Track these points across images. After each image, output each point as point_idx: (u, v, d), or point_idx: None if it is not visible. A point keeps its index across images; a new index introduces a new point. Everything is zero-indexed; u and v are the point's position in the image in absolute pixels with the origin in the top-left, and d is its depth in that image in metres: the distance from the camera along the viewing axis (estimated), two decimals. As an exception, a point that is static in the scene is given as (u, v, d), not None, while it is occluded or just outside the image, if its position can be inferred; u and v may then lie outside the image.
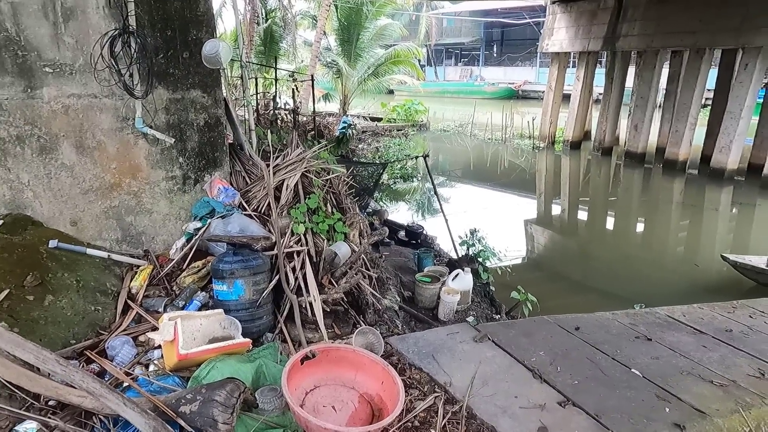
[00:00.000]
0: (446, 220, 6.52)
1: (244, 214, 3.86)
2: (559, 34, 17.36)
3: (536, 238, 10.40)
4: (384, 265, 5.22)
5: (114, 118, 3.58)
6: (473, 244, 5.68)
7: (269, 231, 3.72)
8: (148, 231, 3.91)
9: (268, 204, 3.96)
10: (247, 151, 3.88)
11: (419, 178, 14.67)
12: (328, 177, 4.28)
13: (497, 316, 5.07)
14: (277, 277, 3.46)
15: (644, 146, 15.26)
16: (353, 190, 7.15)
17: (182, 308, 3.37)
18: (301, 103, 18.74)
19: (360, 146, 17.41)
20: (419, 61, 33.07)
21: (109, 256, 3.60)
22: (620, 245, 9.62)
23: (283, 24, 22.26)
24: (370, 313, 3.77)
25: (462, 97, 32.93)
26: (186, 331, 3.00)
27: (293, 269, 3.56)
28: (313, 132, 14.78)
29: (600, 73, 17.24)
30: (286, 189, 3.99)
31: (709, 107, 14.76)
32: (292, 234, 3.75)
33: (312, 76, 14.87)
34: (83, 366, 2.79)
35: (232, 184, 4.07)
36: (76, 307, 3.15)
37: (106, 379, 2.72)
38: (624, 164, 15.60)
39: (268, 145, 4.35)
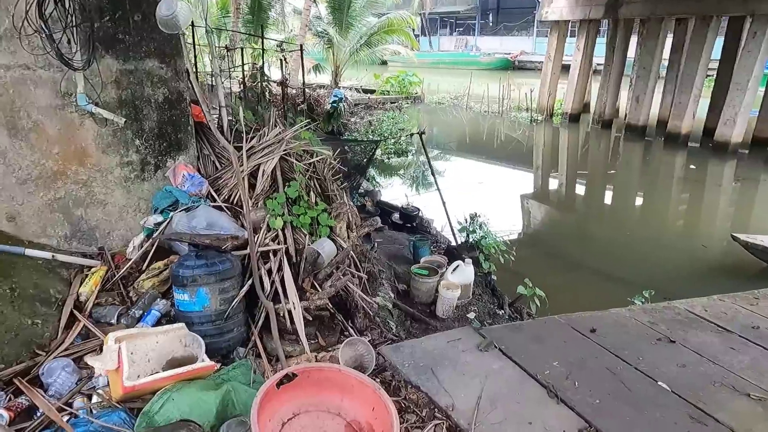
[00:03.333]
0: (444, 203, 6.02)
1: (213, 206, 3.34)
2: (559, 1, 16.59)
3: (534, 215, 9.98)
4: (377, 256, 4.74)
5: (53, 93, 3.01)
6: (474, 231, 5.19)
7: (242, 226, 3.21)
8: (102, 225, 3.38)
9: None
10: (214, 131, 3.32)
11: (413, 153, 14.12)
12: (312, 160, 3.74)
13: (500, 311, 4.63)
14: (250, 281, 2.96)
15: (645, 119, 14.76)
16: (342, 172, 6.64)
17: (139, 319, 2.88)
18: (290, 75, 17.96)
19: (352, 120, 16.77)
20: (413, 30, 32.03)
21: (53, 256, 3.08)
22: (622, 223, 9.20)
23: (272, -10, 21.26)
24: (360, 317, 3.29)
25: (457, 68, 32.06)
26: (138, 352, 2.51)
27: (269, 271, 3.06)
28: (302, 105, 14.16)
29: (601, 43, 16.58)
30: (262, 175, 3.46)
31: (714, 78, 14.21)
32: (269, 229, 3.24)
33: (301, 46, 14.09)
34: (10, 398, 2.31)
35: (199, 170, 3.54)
36: (9, 321, 2.65)
37: (38, 415, 2.25)
38: (624, 137, 15.11)
39: (242, 123, 3.79)
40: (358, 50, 19.88)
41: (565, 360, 3.18)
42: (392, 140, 12.94)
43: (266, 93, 14.03)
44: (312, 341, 3.01)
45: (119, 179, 3.34)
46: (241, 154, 3.49)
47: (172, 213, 3.22)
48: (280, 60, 13.90)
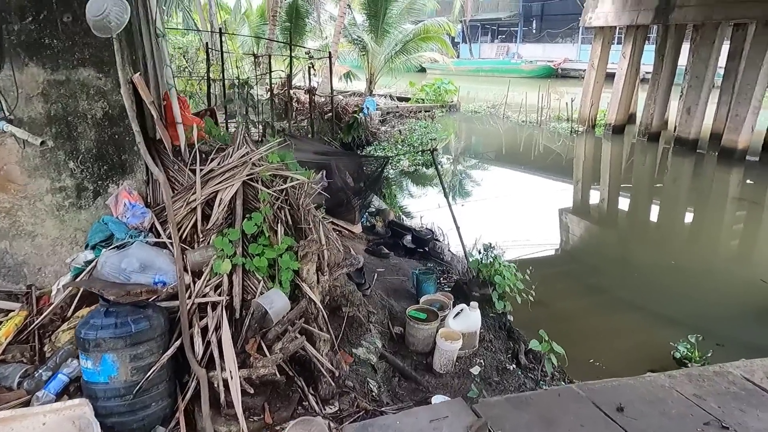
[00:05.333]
0: (458, 228, 5.35)
1: (154, 243, 2.81)
2: (605, 6, 15.61)
3: (571, 233, 9.15)
4: (368, 293, 4.13)
5: (-35, 108, 2.57)
6: (486, 266, 4.50)
7: (184, 268, 2.66)
8: (32, 260, 2.91)
9: (194, 225, 2.90)
10: (142, 153, 2.77)
11: (443, 163, 13.52)
12: (284, 186, 3.18)
13: (511, 366, 3.91)
14: (178, 342, 2.41)
15: (697, 131, 13.61)
16: (350, 190, 6.08)
17: (46, 381, 2.37)
18: (320, 82, 17.62)
19: (382, 129, 16.26)
20: (453, 38, 31.33)
21: (-38, 299, 2.62)
22: (667, 247, 8.22)
23: (309, -2, 21.11)
24: (325, 382, 2.68)
25: (497, 76, 31.23)
26: (15, 438, 1.98)
27: (205, 330, 2.50)
28: (330, 114, 13.74)
29: (648, 50, 15.49)
30: (219, 205, 2.91)
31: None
32: (213, 274, 2.68)
33: (330, 53, 13.70)
34: None
35: (146, 198, 3.03)
36: None
37: None
38: (673, 151, 13.97)
39: (186, 142, 3.23)
40: (393, 57, 19.38)
41: (580, 454, 2.48)
42: (403, 156, 12.29)
43: (294, 101, 13.74)
44: (254, 419, 2.42)
45: (50, 207, 2.87)
46: (194, 180, 2.95)
47: (104, 250, 2.71)
48: (308, 67, 13.52)
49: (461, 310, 3.80)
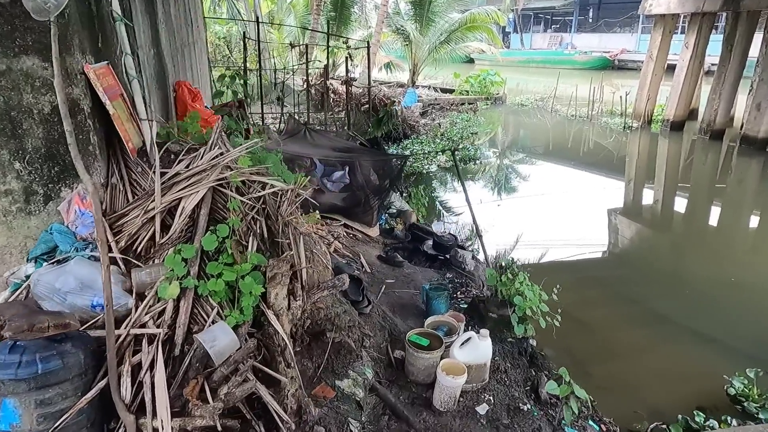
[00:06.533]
0: (480, 236, 4.84)
1: (99, 258, 2.46)
2: (667, -9, 14.43)
3: (619, 238, 8.40)
4: (371, 311, 3.69)
5: None
6: (506, 283, 3.96)
7: (129, 290, 2.31)
8: (-23, 271, 2.63)
9: (152, 237, 2.54)
10: (73, 156, 2.40)
11: (484, 158, 12.89)
12: (262, 193, 2.77)
13: (527, 405, 3.37)
14: (103, 382, 2.05)
15: (768, 130, 12.34)
16: (369, 190, 5.64)
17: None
18: (361, 73, 17.23)
19: (422, 122, 15.71)
20: (503, 27, 30.20)
21: None
22: (726, 261, 7.33)
23: (355, -13, 20.78)
24: (288, 428, 2.27)
25: (549, 67, 29.97)
26: None
27: (137, 368, 2.13)
28: (367, 106, 13.33)
29: (714, 40, 14.18)
30: (180, 215, 2.54)
31: None
32: (157, 299, 2.31)
33: (368, 43, 13.26)
34: None
35: (103, 205, 2.69)
36: None
37: None
38: (738, 151, 12.75)
39: (155, 140, 2.86)
40: (438, 47, 18.76)
41: None
42: (424, 156, 11.67)
43: (331, 92, 13.43)
44: (193, 475, 2.04)
45: (-5, 213, 2.57)
46: (154, 185, 2.59)
47: (44, 264, 2.39)
48: (346, 57, 13.12)
49: (469, 338, 3.30)
